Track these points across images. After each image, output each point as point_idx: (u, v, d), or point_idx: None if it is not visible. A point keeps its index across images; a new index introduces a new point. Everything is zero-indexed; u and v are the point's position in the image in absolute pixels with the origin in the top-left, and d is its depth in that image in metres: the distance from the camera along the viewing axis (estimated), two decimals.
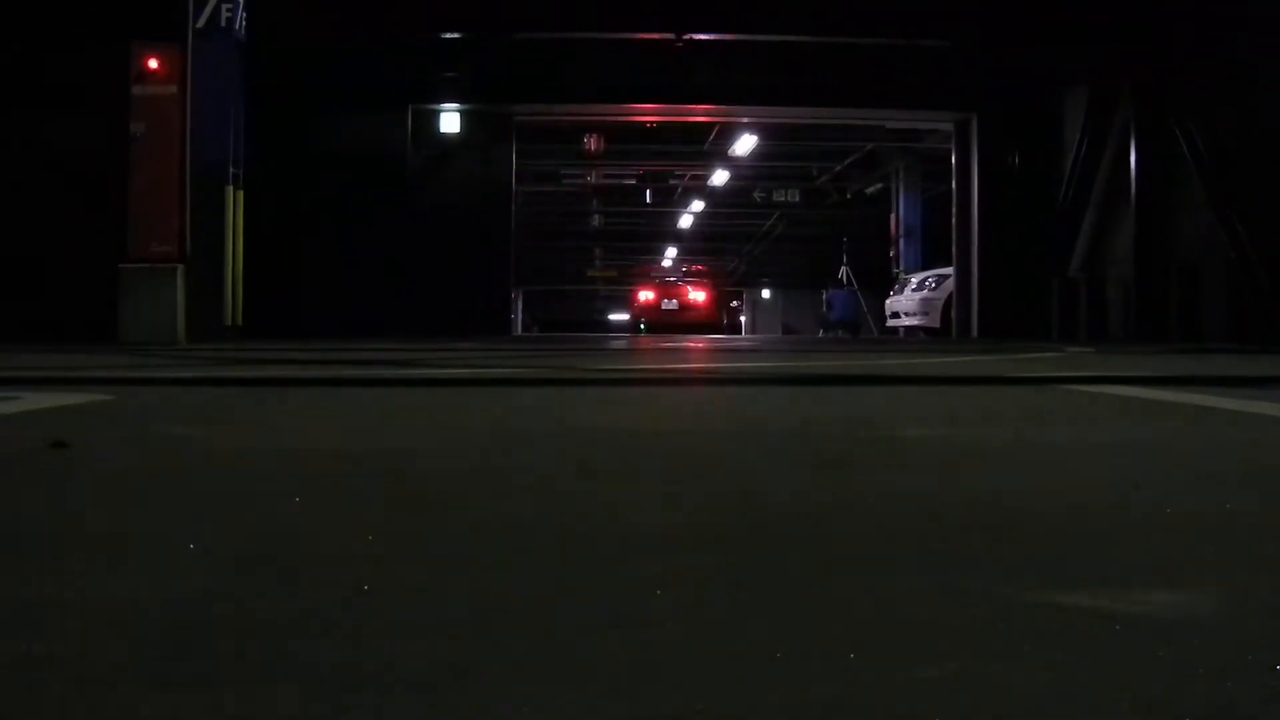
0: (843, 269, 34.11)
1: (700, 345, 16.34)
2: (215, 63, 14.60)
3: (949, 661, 1.18)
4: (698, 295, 37.28)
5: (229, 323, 14.93)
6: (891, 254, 30.68)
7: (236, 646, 1.24)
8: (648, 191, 38.37)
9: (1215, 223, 16.16)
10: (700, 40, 20.72)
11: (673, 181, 37.44)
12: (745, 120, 27.02)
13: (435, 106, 22.26)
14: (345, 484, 2.49)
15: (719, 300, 39.97)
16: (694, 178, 36.33)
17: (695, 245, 51.02)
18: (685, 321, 35.30)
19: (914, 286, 24.70)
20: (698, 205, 40.52)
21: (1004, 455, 3.08)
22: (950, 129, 23.73)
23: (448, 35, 21.15)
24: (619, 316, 73.18)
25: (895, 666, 1.17)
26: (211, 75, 14.54)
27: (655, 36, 20.70)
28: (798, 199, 38.10)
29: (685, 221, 43.84)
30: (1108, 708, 1.06)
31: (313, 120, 20.91)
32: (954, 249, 23.29)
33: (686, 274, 42.23)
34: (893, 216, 30.82)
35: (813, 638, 1.28)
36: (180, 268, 13.90)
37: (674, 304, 36.77)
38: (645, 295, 37.98)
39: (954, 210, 23.42)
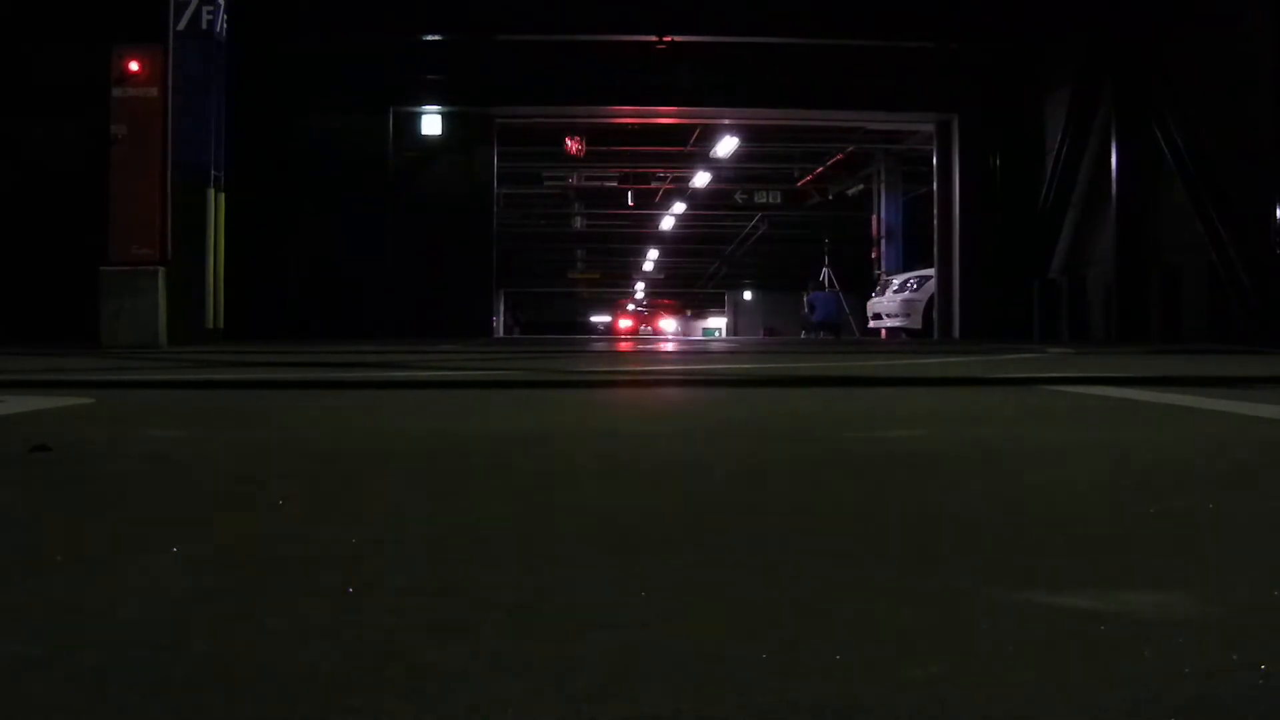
0: (824, 270, 34.14)
1: (675, 348, 16.32)
2: (196, 65, 14.58)
3: (935, 662, 1.19)
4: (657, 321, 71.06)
5: (210, 325, 14.90)
6: (873, 255, 30.74)
7: (224, 648, 1.23)
8: (629, 193, 38.41)
9: (1196, 223, 16.21)
10: (682, 42, 20.75)
11: (654, 183, 37.46)
12: (726, 122, 27.05)
13: (417, 108, 22.26)
14: (323, 486, 2.48)
15: (663, 319, 73.22)
16: (675, 180, 36.36)
17: (677, 247, 51.03)
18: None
19: (895, 288, 24.74)
20: (679, 207, 40.58)
21: (987, 455, 3.08)
22: (931, 130, 23.79)
23: (429, 37, 21.15)
24: (600, 318, 73.77)
25: (881, 667, 1.17)
26: (192, 77, 14.52)
27: (637, 39, 20.72)
28: (779, 200, 38.18)
29: (667, 223, 43.93)
30: (1094, 707, 1.06)
31: (294, 123, 20.88)
32: (935, 250, 23.34)
33: (647, 307, 74.48)
34: (874, 218, 30.87)
35: (797, 639, 1.28)
36: (161, 270, 13.86)
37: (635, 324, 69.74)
38: (624, 323, 71.52)
39: (935, 211, 23.48)
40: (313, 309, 20.28)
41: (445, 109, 22.34)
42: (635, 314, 75.21)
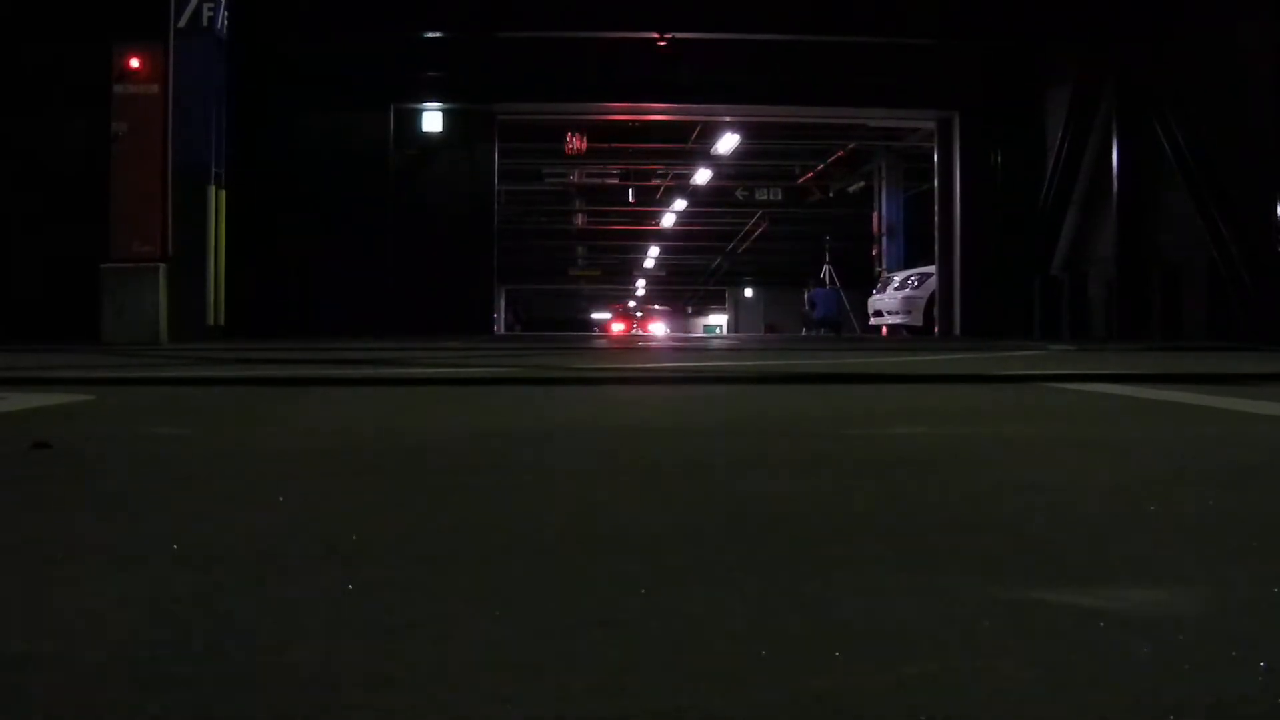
0: (825, 268, 34.14)
1: (676, 346, 16.30)
2: (197, 62, 14.58)
3: (935, 660, 1.19)
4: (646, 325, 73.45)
5: (211, 322, 14.89)
6: (874, 252, 30.71)
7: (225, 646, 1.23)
8: (630, 190, 38.40)
9: (1197, 221, 16.21)
10: (683, 39, 20.70)
11: (655, 180, 37.45)
12: (728, 119, 27.03)
13: (417, 105, 22.22)
14: (327, 480, 2.48)
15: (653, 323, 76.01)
16: (676, 176, 36.34)
17: (678, 244, 51.01)
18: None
19: (896, 285, 24.72)
20: (680, 204, 40.57)
21: (987, 453, 3.08)
22: (932, 127, 23.76)
23: (430, 34, 21.12)
24: (601, 316, 74.17)
25: (881, 665, 1.17)
26: (193, 74, 14.51)
27: (638, 35, 20.68)
28: (780, 197, 38.15)
29: (668, 220, 43.92)
30: (1094, 704, 1.06)
31: (295, 120, 20.85)
32: (936, 247, 23.32)
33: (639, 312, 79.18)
34: (875, 215, 30.85)
35: (797, 636, 1.28)
36: (162, 267, 13.86)
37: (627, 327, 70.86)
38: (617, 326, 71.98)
39: (936, 209, 23.46)
40: (313, 306, 20.26)
41: (446, 106, 22.31)
42: (627, 317, 79.04)
